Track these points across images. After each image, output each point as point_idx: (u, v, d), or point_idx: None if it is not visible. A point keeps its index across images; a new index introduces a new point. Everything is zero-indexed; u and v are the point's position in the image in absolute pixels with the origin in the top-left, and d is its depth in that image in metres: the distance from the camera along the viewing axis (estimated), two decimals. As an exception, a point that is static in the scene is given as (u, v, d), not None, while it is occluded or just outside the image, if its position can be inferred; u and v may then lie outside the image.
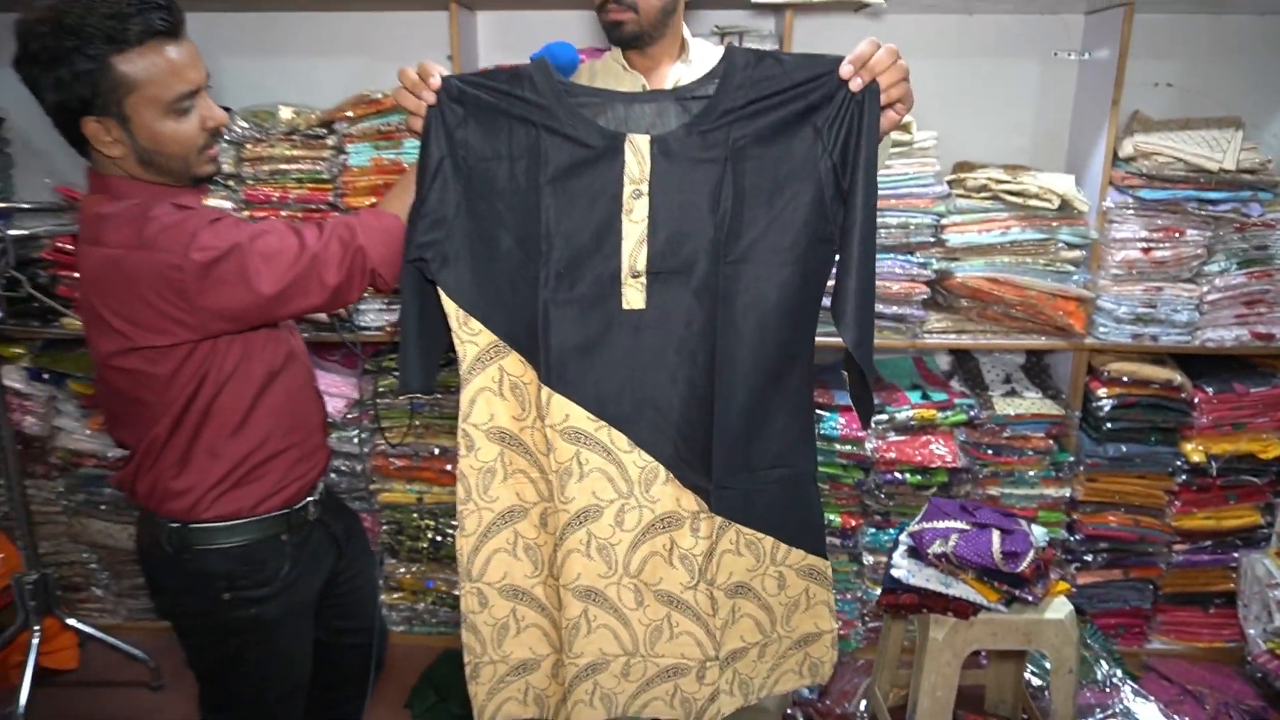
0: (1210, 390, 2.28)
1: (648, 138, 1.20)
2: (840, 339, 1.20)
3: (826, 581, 1.41)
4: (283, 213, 2.28)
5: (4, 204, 2.45)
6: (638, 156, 1.21)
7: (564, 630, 1.35)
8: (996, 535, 1.79)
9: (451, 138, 1.22)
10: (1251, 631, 2.29)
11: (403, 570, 2.55)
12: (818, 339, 1.30)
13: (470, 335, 1.27)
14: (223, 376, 1.30)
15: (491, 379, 1.29)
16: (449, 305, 1.26)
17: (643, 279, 1.24)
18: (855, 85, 1.16)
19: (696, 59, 1.69)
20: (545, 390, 1.26)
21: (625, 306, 1.25)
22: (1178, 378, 2.28)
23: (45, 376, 2.49)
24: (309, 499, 1.46)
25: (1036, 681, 2.24)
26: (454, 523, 2.54)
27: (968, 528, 1.85)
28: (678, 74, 1.67)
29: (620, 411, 1.28)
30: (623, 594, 1.35)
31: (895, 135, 2.15)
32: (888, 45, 1.14)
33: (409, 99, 1.21)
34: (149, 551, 1.41)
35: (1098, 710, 2.15)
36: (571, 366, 1.26)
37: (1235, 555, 2.37)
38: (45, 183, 2.47)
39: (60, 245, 2.32)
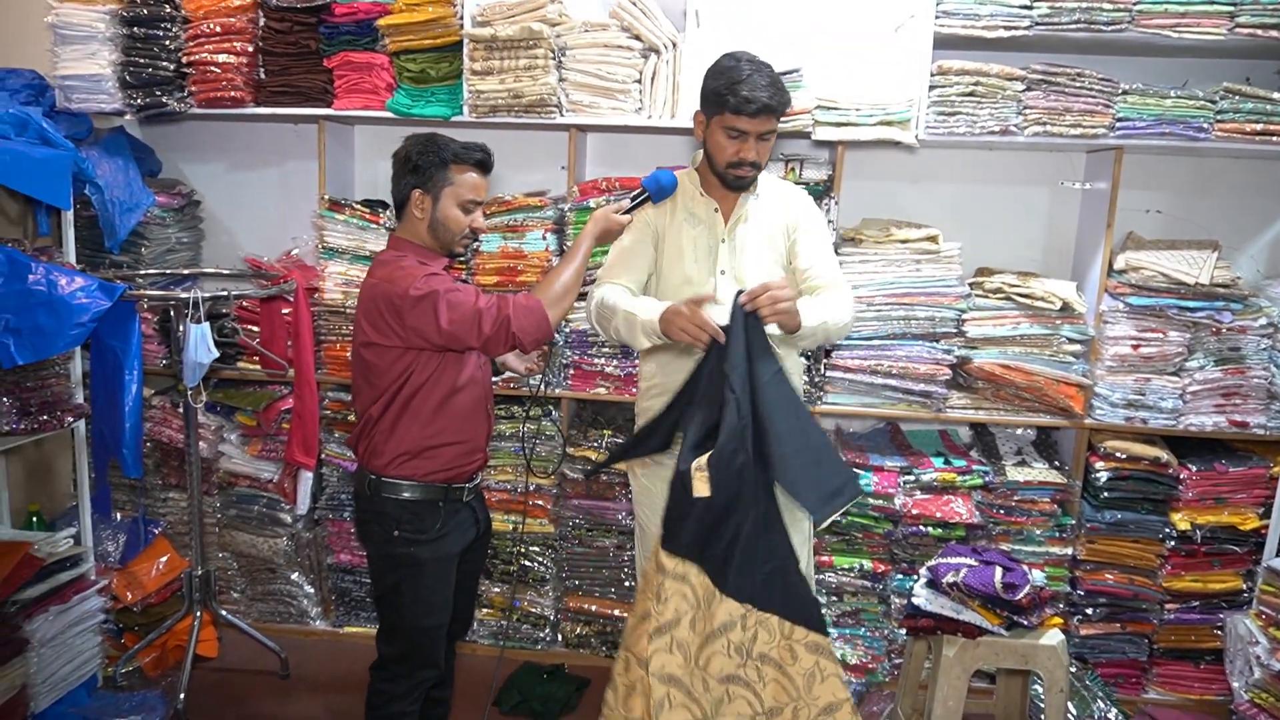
0: (1194, 468, 2.66)
1: None
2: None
3: (832, 655, 1.85)
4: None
5: (203, 270, 3.05)
6: None
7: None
8: (999, 570, 2.19)
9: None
10: (1236, 684, 2.59)
11: (495, 590, 3.00)
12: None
13: None
14: (420, 380, 1.92)
15: None
16: None
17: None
18: (748, 309, 1.78)
19: (763, 191, 2.16)
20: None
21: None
22: (1165, 456, 2.67)
23: (217, 409, 3.05)
24: (465, 485, 2.03)
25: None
26: (537, 550, 2.98)
27: (976, 564, 2.25)
28: (748, 204, 2.13)
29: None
30: (694, 681, 1.83)
31: (925, 245, 2.65)
32: (772, 290, 1.77)
33: (701, 335, 1.81)
34: (358, 492, 2.03)
35: (1092, 740, 2.48)
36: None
37: (1221, 616, 2.70)
38: (238, 255, 3.07)
39: (245, 305, 2.91)
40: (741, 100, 1.93)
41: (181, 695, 2.58)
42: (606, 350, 2.83)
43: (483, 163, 1.95)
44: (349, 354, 2.02)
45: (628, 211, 2.04)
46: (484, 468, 2.10)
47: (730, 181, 2.06)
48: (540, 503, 2.93)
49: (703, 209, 2.13)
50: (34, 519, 2.69)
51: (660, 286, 2.14)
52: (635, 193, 2.06)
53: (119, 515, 2.98)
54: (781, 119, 2.55)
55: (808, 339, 2.00)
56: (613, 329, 2.04)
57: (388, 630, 2.03)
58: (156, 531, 3.03)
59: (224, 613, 2.88)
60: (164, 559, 2.97)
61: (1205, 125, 2.51)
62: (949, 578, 2.21)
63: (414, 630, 2.00)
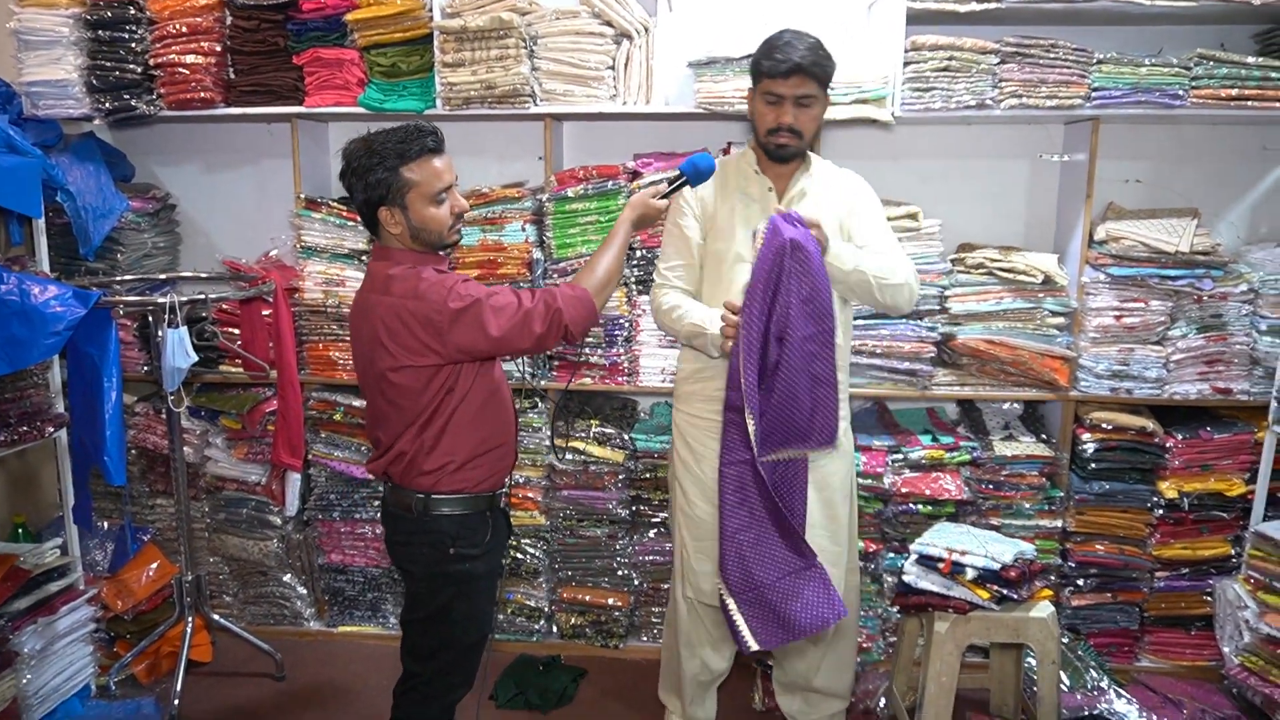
0: (1180, 436, 2.67)
1: None
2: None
3: None
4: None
5: (181, 274, 3.02)
6: None
7: None
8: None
9: None
10: (1226, 649, 2.61)
11: (487, 584, 2.99)
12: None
13: None
14: (463, 390, 1.80)
15: None
16: None
17: None
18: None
19: (815, 170, 2.15)
20: None
21: None
22: (1151, 425, 2.68)
23: (202, 413, 3.02)
24: (501, 490, 1.94)
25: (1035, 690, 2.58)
26: (529, 542, 2.97)
27: (965, 540, 2.25)
28: (802, 182, 2.12)
29: None
30: None
31: (906, 223, 2.63)
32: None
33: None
34: (399, 515, 1.88)
35: (1085, 710, 2.49)
36: None
37: (1210, 582, 2.71)
38: (216, 257, 3.04)
39: (225, 307, 2.88)
40: (774, 62, 1.96)
41: (175, 701, 2.57)
42: (591, 340, 2.82)
43: (434, 146, 1.75)
44: (359, 377, 1.88)
45: (665, 196, 1.98)
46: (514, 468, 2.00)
47: (772, 151, 2.05)
48: (531, 495, 2.92)
49: (756, 187, 2.11)
50: (19, 530, 2.67)
51: (711, 267, 2.12)
52: (672, 176, 2.01)
53: (105, 524, 2.96)
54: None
55: (844, 284, 2.00)
56: (680, 336, 2.12)
57: (428, 650, 1.91)
58: (145, 538, 3.02)
59: (216, 617, 2.86)
60: (154, 566, 2.96)
61: (1180, 92, 2.50)
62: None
63: (460, 648, 1.91)
